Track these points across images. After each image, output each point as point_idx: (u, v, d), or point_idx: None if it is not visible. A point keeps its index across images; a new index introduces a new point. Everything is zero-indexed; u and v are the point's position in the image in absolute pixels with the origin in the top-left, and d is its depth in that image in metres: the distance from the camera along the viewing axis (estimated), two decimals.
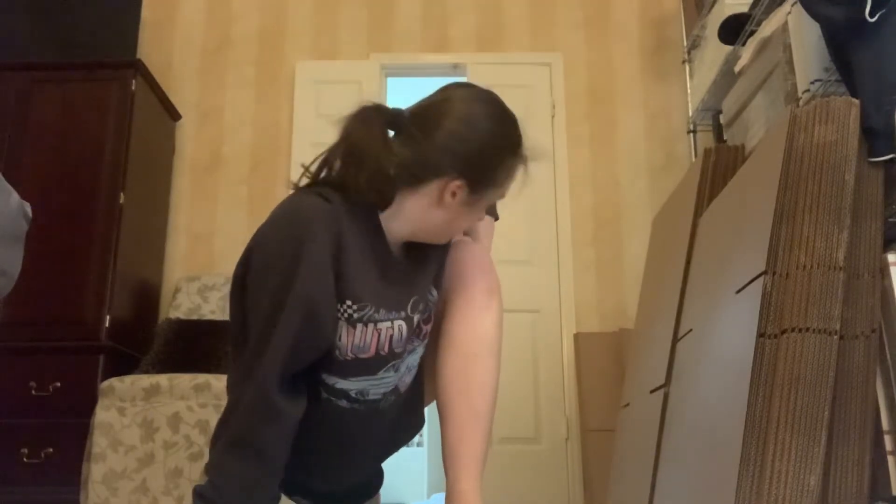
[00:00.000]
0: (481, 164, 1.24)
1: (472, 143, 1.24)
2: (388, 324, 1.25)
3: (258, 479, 1.17)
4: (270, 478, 1.19)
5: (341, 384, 1.25)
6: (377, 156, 1.21)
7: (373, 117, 1.24)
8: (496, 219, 1.56)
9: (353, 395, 1.27)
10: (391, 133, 1.27)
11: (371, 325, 1.23)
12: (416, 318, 1.29)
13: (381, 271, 1.24)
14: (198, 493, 1.18)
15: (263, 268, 1.18)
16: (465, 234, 1.49)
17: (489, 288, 1.32)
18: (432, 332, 1.37)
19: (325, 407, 1.26)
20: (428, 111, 1.27)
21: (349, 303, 1.20)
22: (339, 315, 1.20)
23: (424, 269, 1.32)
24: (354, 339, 1.22)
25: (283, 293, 1.14)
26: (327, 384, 1.25)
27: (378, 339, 1.24)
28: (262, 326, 1.16)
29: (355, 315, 1.21)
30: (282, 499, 1.31)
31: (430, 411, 1.55)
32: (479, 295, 1.31)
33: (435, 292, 1.35)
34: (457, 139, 1.23)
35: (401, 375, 1.32)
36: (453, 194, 1.24)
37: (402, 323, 1.27)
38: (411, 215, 1.26)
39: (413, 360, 1.35)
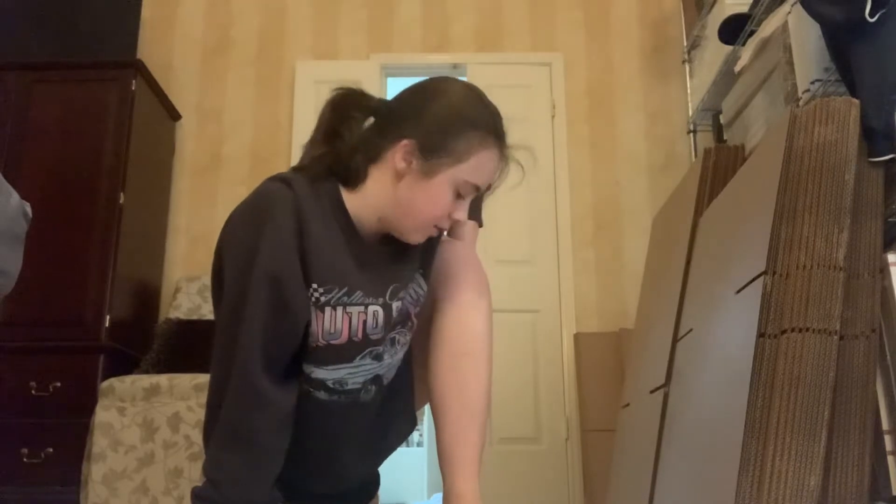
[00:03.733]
0: (435, 127, 1.21)
1: (429, 108, 1.24)
2: (361, 308, 1.23)
3: (254, 471, 1.17)
4: (267, 469, 1.19)
5: (317, 373, 1.24)
6: (342, 134, 1.25)
7: (343, 99, 1.28)
8: (480, 224, 1.55)
9: (331, 384, 1.26)
10: (372, 119, 1.30)
11: (340, 309, 1.21)
12: (395, 305, 1.27)
13: (354, 255, 1.23)
14: (196, 494, 1.17)
15: (229, 256, 1.20)
16: (450, 235, 1.49)
17: (478, 286, 1.32)
18: (422, 332, 1.35)
19: (305, 400, 1.25)
20: (403, 92, 1.30)
21: (315, 286, 1.19)
22: (308, 298, 1.19)
23: (407, 257, 1.30)
24: (324, 324, 1.21)
25: (247, 275, 1.15)
26: (304, 373, 1.25)
27: (350, 324, 1.22)
28: (232, 312, 1.17)
29: (322, 298, 1.20)
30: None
31: (429, 410, 1.55)
32: (469, 294, 1.30)
33: (424, 284, 1.33)
34: (416, 106, 1.25)
35: (383, 366, 1.30)
36: (404, 158, 1.21)
37: (379, 309, 1.25)
38: (376, 193, 1.24)
39: (401, 353, 1.34)
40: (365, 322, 1.24)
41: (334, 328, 1.21)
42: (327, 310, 1.20)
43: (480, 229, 1.61)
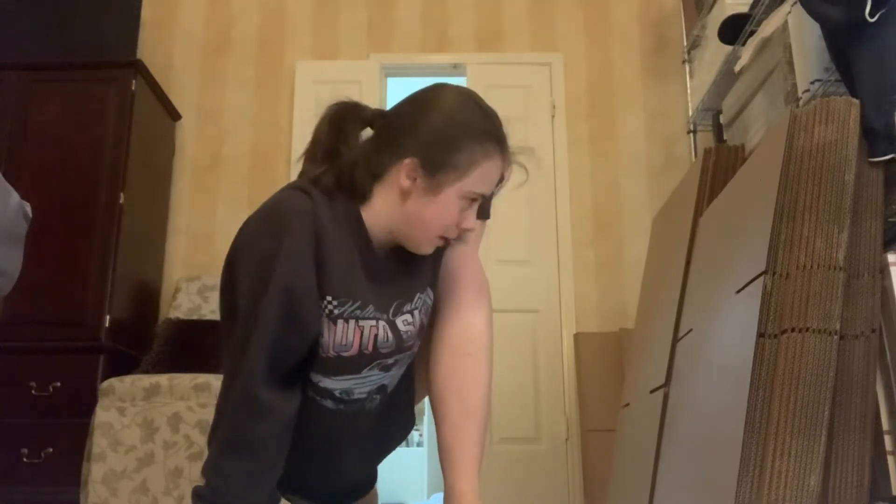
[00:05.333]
0: (435, 142, 1.21)
1: (428, 122, 1.23)
2: (373, 322, 1.24)
3: (254, 477, 1.17)
4: (267, 475, 1.19)
5: (325, 383, 1.25)
6: (340, 151, 1.25)
7: (339, 114, 1.28)
8: (487, 217, 1.54)
9: (338, 394, 1.27)
10: (370, 131, 1.29)
11: (353, 322, 1.22)
12: (399, 320, 1.28)
13: (366, 269, 1.23)
14: (196, 494, 1.18)
15: (244, 263, 1.19)
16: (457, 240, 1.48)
17: (478, 288, 1.32)
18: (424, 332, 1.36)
19: (311, 407, 1.26)
20: (399, 105, 1.29)
21: (329, 298, 1.19)
22: (321, 311, 1.19)
23: (415, 272, 1.30)
24: (336, 337, 1.21)
25: (261, 285, 1.14)
26: (312, 382, 1.25)
27: (361, 337, 1.23)
28: (244, 321, 1.16)
29: (336, 311, 1.20)
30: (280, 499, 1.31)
31: (430, 411, 1.55)
32: (469, 295, 1.31)
33: (432, 293, 1.34)
34: (414, 120, 1.24)
35: (389, 376, 1.31)
36: (408, 176, 1.21)
37: (386, 325, 1.26)
38: (383, 210, 1.24)
39: (408, 362, 1.35)
40: (376, 336, 1.24)
41: (346, 340, 1.22)
42: (339, 322, 1.21)
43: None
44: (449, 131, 1.21)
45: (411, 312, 1.29)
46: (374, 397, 1.31)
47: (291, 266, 1.14)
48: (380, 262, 1.26)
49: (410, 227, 1.24)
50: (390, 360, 1.28)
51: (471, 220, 1.25)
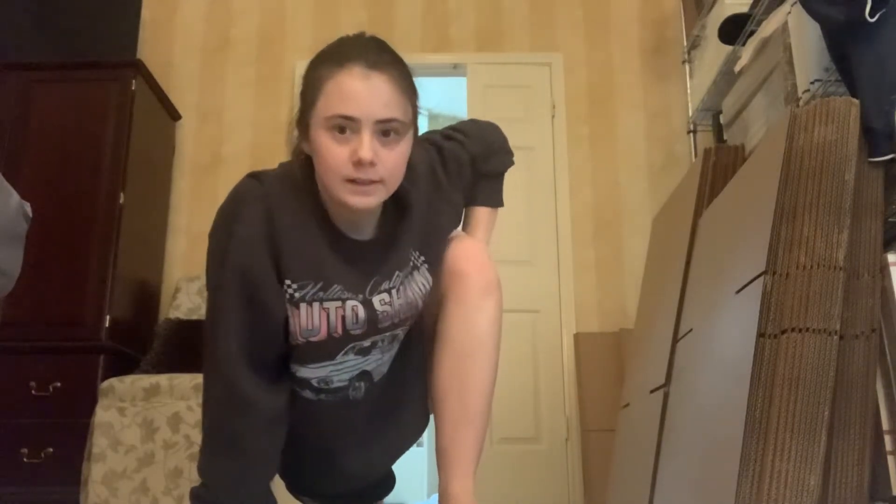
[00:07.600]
0: (300, 93, 1.20)
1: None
2: (338, 303, 1.20)
3: (243, 472, 1.17)
4: (256, 470, 1.19)
5: (302, 372, 1.23)
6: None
7: None
8: (497, 205, 1.48)
9: (316, 383, 1.25)
10: None
11: (317, 305, 1.19)
12: (375, 300, 1.23)
13: (333, 249, 1.20)
14: (194, 494, 1.18)
15: (208, 259, 1.22)
16: (464, 228, 1.46)
17: (484, 286, 1.29)
18: (430, 332, 1.34)
19: (294, 399, 1.25)
20: None
21: (288, 282, 1.17)
22: (283, 295, 1.18)
23: (394, 247, 1.25)
24: (301, 321, 1.18)
25: (220, 273, 1.16)
26: (290, 373, 1.24)
27: (328, 320, 1.19)
28: (210, 313, 1.18)
29: (297, 294, 1.18)
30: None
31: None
32: (473, 294, 1.28)
33: (429, 276, 1.30)
34: None
35: (371, 361, 1.28)
36: (298, 136, 1.20)
37: (358, 305, 1.21)
38: (318, 181, 1.20)
39: (392, 348, 1.31)
40: (343, 317, 1.20)
41: (311, 325, 1.19)
42: (303, 306, 1.18)
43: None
44: (304, 76, 1.19)
45: (389, 291, 1.24)
46: (356, 385, 1.28)
47: (243, 250, 1.15)
48: (352, 243, 1.22)
49: (323, 185, 1.17)
50: (366, 343, 1.24)
51: (364, 148, 1.11)
